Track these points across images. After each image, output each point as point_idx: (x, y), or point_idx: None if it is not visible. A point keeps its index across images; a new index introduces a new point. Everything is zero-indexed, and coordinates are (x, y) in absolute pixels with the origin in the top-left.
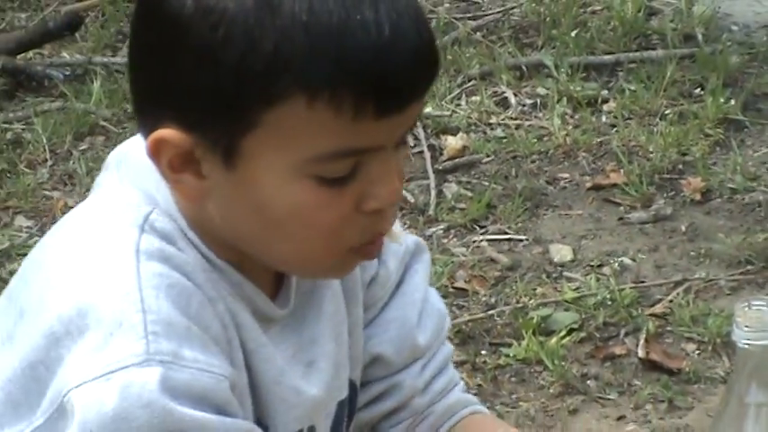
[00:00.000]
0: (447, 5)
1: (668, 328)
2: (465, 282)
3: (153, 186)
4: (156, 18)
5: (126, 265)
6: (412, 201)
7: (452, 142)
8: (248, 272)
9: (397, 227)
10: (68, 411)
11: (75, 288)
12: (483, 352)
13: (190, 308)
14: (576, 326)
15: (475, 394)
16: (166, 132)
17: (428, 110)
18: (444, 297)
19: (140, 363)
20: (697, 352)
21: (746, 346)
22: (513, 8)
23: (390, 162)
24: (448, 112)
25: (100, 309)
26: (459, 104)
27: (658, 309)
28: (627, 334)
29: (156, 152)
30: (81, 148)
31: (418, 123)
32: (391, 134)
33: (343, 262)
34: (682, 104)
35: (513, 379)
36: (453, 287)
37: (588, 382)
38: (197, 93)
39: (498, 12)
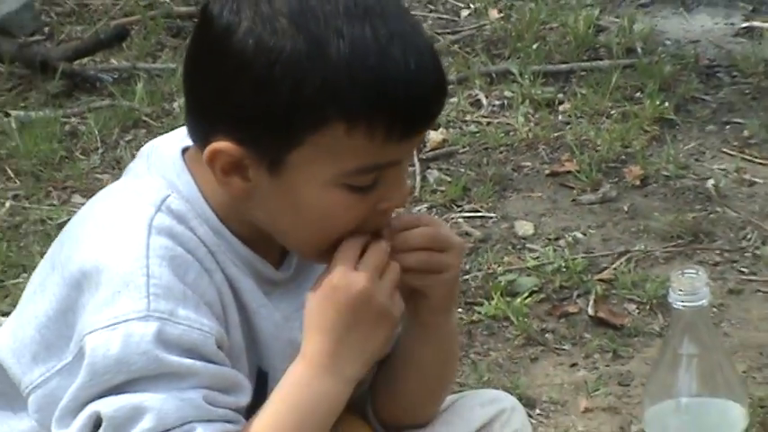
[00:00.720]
0: (430, 22)
1: (613, 291)
2: None
3: (174, 175)
4: (219, 52)
5: (139, 236)
6: None
7: (434, 136)
8: (258, 246)
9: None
10: (84, 352)
11: (96, 249)
12: (459, 310)
13: (187, 276)
14: (536, 289)
15: None
16: (222, 145)
17: None
18: None
19: (141, 317)
20: (637, 311)
21: (680, 307)
22: (485, 25)
23: (402, 171)
24: None
25: (113, 269)
26: None
27: (605, 275)
28: (579, 296)
29: (212, 159)
30: (126, 139)
31: None
32: (408, 151)
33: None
34: (624, 106)
35: (484, 333)
36: None
37: (547, 335)
38: (252, 115)
39: (473, 28)
